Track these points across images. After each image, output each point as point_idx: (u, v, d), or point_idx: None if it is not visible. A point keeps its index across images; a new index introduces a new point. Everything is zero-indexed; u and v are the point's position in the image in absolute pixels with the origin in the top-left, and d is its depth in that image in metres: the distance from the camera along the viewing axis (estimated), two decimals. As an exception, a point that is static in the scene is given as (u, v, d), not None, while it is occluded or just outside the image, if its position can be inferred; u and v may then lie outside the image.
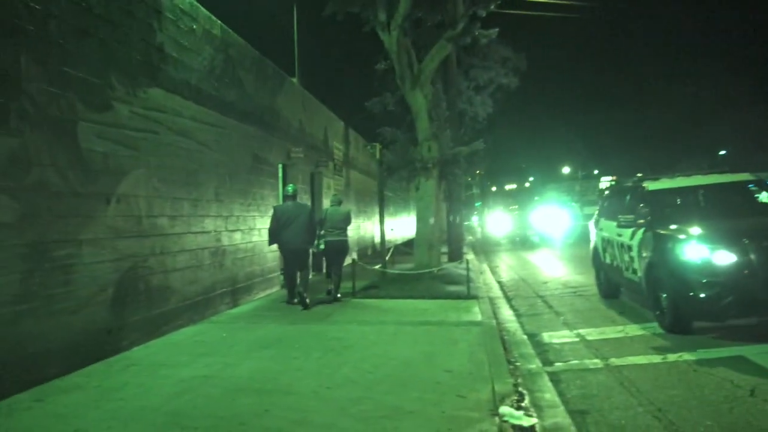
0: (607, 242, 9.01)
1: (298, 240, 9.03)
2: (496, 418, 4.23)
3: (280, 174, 11.44)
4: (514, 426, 4.17)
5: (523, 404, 4.58)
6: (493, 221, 26.76)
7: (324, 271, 10.57)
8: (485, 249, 25.04)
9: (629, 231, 7.81)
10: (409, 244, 22.45)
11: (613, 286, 9.27)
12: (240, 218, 9.30)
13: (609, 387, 5.02)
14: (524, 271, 15.01)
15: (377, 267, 11.99)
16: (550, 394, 4.84)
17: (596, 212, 10.41)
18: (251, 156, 9.84)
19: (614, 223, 8.59)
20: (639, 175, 9.19)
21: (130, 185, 6.36)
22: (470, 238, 31.19)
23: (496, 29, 13.68)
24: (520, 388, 4.93)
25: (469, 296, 9.67)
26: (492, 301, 9.80)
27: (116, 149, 6.13)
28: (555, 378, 5.34)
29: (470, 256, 17.74)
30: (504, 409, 4.42)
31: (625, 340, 6.65)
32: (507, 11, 17.46)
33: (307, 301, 8.86)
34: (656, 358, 5.76)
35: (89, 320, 5.63)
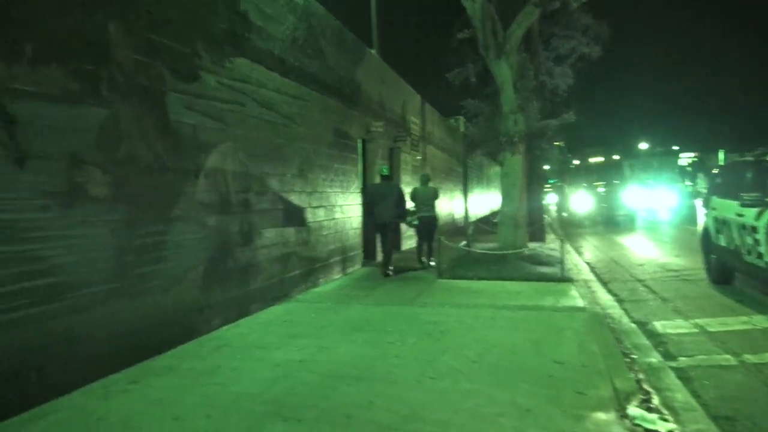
0: (721, 223, 8.16)
1: (388, 215, 9.85)
2: (626, 421, 3.73)
3: (360, 149, 11.08)
4: (648, 431, 3.66)
5: (652, 405, 4.04)
6: (574, 199, 24.52)
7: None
8: (565, 229, 23.97)
9: (753, 211, 6.98)
10: (485, 221, 21.81)
11: (726, 271, 8.43)
12: (323, 194, 9.01)
13: (752, 389, 4.40)
14: (613, 252, 14.15)
15: (461, 245, 11.51)
16: (682, 395, 4.27)
17: (706, 190, 9.51)
18: (333, 130, 9.51)
19: (730, 202, 7.76)
20: (759, 149, 8.20)
21: (217, 159, 6.12)
22: (545, 217, 29.92)
23: (588, -8, 12.75)
24: (644, 386, 4.38)
25: (563, 279, 9.06)
26: (586, 284, 9.16)
27: (204, 121, 5.89)
28: (683, 375, 4.75)
29: (550, 236, 17.01)
30: (634, 411, 3.91)
31: (755, 334, 5.94)
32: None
33: (389, 270, 9.92)
34: (801, 357, 5.07)
35: (180, 299, 5.45)
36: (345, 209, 9.98)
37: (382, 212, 9.82)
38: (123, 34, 4.80)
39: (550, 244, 13.82)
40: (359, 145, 10.98)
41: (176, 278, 5.40)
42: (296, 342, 5.52)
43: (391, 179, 10.45)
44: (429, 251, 10.97)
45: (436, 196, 11.05)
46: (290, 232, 7.83)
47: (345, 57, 10.18)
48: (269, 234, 7.23)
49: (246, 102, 6.70)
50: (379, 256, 11.54)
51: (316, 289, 8.55)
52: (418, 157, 15.71)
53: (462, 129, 11.86)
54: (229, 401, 3.98)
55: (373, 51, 12.43)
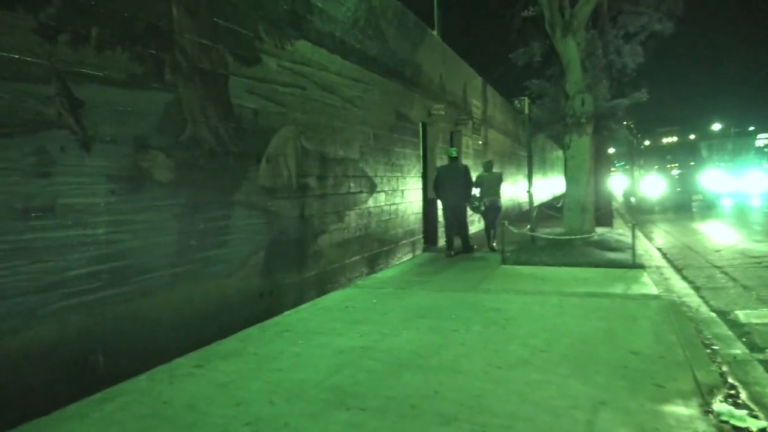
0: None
1: (456, 197, 10.16)
2: (711, 417, 3.46)
3: (421, 132, 10.89)
4: (737, 428, 3.38)
5: (739, 401, 3.73)
6: (644, 183, 22.94)
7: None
8: (634, 215, 23.04)
9: None
10: (548, 206, 21.23)
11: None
12: (384, 179, 8.90)
13: None
14: (687, 238, 13.47)
15: (525, 230, 11.19)
16: (773, 390, 3.95)
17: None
18: (394, 113, 9.36)
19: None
20: None
21: (278, 143, 6.09)
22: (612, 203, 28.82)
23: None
24: (729, 379, 4.07)
25: (635, 265, 8.65)
26: (658, 270, 8.72)
27: (265, 105, 5.86)
28: (773, 369, 4.39)
29: (618, 221, 16.37)
30: (721, 407, 3.62)
31: None
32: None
33: (472, 247, 10.50)
34: None
35: (243, 283, 5.47)
36: (406, 194, 9.85)
37: (451, 193, 10.13)
38: (186, 17, 4.79)
39: (619, 230, 13.29)
40: (420, 129, 10.80)
41: (239, 262, 5.41)
42: (358, 328, 5.45)
43: (457, 160, 10.59)
44: (493, 234, 11.17)
45: (500, 180, 11.21)
46: (351, 216, 7.76)
47: (406, 38, 9.99)
48: (330, 219, 7.18)
49: (307, 85, 6.64)
50: (441, 241, 11.41)
51: (378, 275, 8.47)
52: (480, 141, 15.38)
53: (527, 111, 11.45)
54: (292, 387, 3.94)
55: (434, 32, 12.18)
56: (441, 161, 11.53)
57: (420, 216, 10.66)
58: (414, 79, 10.32)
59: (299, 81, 6.47)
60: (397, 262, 9.43)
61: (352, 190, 7.79)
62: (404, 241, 9.82)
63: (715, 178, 22.29)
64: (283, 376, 4.15)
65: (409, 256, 10.05)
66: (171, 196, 4.61)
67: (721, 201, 22.11)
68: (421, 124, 10.83)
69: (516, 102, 11.62)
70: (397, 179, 9.46)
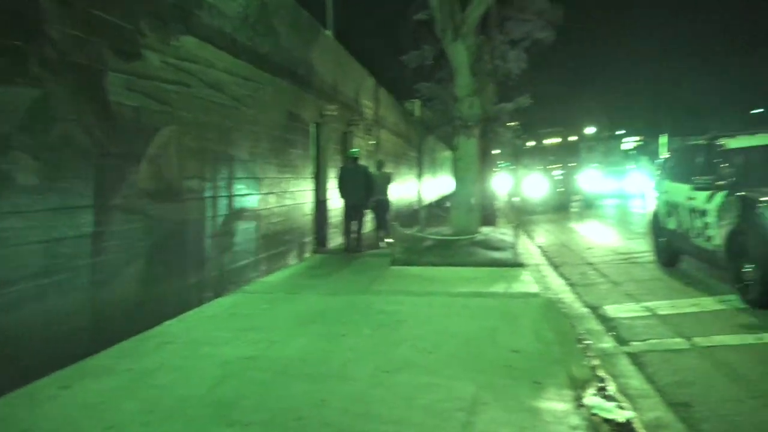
0: (672, 206, 8.28)
1: (357, 197, 10.64)
2: (584, 410, 3.68)
3: (313, 133, 10.80)
4: (606, 420, 3.62)
5: (608, 393, 4.00)
6: (527, 183, 24.01)
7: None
8: (517, 214, 24.16)
9: (704, 194, 7.07)
10: (436, 205, 21.80)
11: (674, 254, 8.59)
12: (274, 180, 8.73)
13: (706, 373, 4.42)
14: (564, 237, 14.33)
15: (414, 231, 11.42)
16: (637, 381, 4.27)
17: (657, 174, 9.64)
18: (285, 113, 9.21)
19: (681, 186, 7.86)
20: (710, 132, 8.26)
21: (161, 144, 5.79)
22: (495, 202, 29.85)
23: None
24: (599, 373, 4.36)
25: (516, 263, 9.08)
26: (538, 268, 9.21)
27: (147, 103, 5.54)
28: (637, 361, 4.75)
29: (501, 221, 17.11)
30: (591, 400, 3.86)
31: (705, 316, 6.02)
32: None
33: (363, 247, 10.93)
34: (749, 338, 5.13)
35: (120, 292, 5.14)
36: (297, 195, 9.73)
37: (352, 193, 10.60)
38: (56, 6, 4.42)
39: (502, 229, 13.89)
40: (312, 129, 10.71)
41: (115, 271, 5.08)
42: (246, 336, 5.29)
43: (357, 161, 11.01)
44: (384, 234, 11.76)
45: (389, 181, 11.91)
46: (240, 219, 7.55)
47: (299, 37, 9.87)
48: (218, 222, 6.94)
49: (193, 83, 6.37)
50: (334, 242, 11.41)
51: (267, 279, 8.29)
52: (372, 142, 15.51)
53: (418, 113, 11.69)
54: (171, 405, 3.73)
55: (328, 32, 12.12)
56: (334, 162, 11.52)
57: (311, 218, 10.58)
58: (307, 79, 10.21)
59: (184, 78, 6.19)
60: (288, 265, 9.29)
61: (241, 192, 7.57)
62: (295, 244, 9.70)
63: (592, 178, 23.58)
64: (162, 393, 3.93)
65: (300, 258, 9.94)
66: (38, 202, 4.24)
67: (600, 201, 23.54)
68: (313, 125, 10.74)
69: (407, 104, 11.82)
70: (289, 180, 9.33)
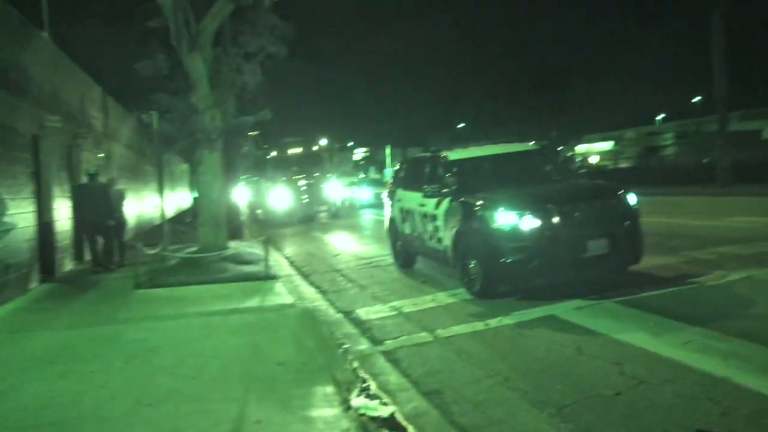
0: (406, 213, 9.14)
1: (98, 214, 10.24)
2: (352, 412, 3.90)
3: (33, 147, 9.48)
4: (372, 418, 3.89)
5: (371, 392, 4.29)
6: (271, 194, 24.07)
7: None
8: (263, 226, 24.24)
9: (433, 201, 7.96)
10: (177, 221, 20.77)
11: (410, 256, 9.50)
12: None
13: (449, 361, 4.98)
14: (310, 245, 14.84)
15: (159, 250, 10.73)
16: (394, 377, 4.64)
17: (390, 183, 10.55)
18: (-5, 125, 7.95)
19: (414, 194, 8.72)
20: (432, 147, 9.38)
21: None
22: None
23: (283, -10, 13.00)
24: (361, 374, 4.65)
25: (268, 276, 9.14)
26: (289, 279, 9.41)
27: None
28: (392, 358, 5.16)
29: (247, 234, 17.09)
30: (358, 402, 4.11)
31: (441, 310, 6.76)
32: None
33: (111, 267, 10.54)
34: (479, 325, 5.90)
35: None
36: (16, 218, 8.45)
37: (93, 210, 10.22)
38: None
39: (250, 242, 13.84)
40: (32, 143, 9.39)
41: None
42: (-38, 391, 4.45)
43: (96, 179, 10.75)
44: (121, 252, 11.27)
45: (122, 197, 11.55)
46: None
47: (10, 39, 8.59)
48: None
49: None
50: (64, 268, 10.20)
51: (-18, 318, 7.05)
52: (101, 155, 14.19)
53: (156, 125, 11.03)
54: None
55: (44, 33, 10.75)
56: (59, 179, 10.29)
57: (34, 243, 9.24)
58: (22, 86, 8.94)
59: None
60: (6, 301, 7.96)
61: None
62: (15, 275, 8.39)
63: (336, 188, 24.84)
64: None
65: (24, 290, 8.62)
66: None
67: (346, 210, 24.82)
68: (32, 138, 9.43)
69: (144, 116, 11.09)
70: (4, 201, 8.04)
